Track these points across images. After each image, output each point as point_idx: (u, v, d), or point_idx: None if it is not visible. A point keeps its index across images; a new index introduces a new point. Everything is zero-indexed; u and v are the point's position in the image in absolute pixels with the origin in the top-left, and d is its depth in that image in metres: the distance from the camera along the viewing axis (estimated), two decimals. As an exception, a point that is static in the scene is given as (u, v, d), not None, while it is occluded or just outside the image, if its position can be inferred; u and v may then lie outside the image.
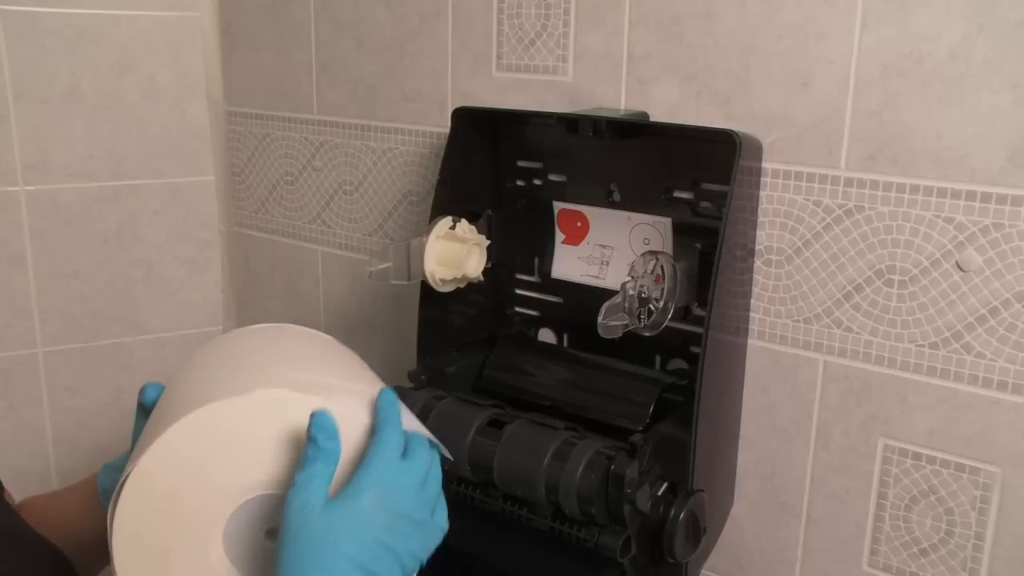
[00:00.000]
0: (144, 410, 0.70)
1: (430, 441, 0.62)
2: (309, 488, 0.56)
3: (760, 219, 0.81)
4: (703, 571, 0.88)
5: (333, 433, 0.57)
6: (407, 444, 0.60)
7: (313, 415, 0.57)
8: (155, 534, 0.59)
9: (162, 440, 0.57)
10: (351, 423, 0.59)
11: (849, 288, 0.78)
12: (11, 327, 1.20)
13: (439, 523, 0.60)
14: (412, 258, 0.83)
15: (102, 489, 0.72)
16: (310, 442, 0.56)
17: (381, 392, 0.62)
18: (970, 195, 0.71)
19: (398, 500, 0.57)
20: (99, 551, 0.75)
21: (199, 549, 0.60)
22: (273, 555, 0.58)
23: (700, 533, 0.76)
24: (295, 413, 0.59)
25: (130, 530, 0.58)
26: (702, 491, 0.76)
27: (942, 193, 0.72)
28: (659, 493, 0.74)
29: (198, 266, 1.30)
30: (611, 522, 0.73)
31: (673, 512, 0.73)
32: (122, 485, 0.57)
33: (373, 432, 0.59)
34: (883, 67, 0.73)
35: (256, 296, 1.30)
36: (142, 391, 0.69)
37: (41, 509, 0.76)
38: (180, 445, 0.58)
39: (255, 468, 0.60)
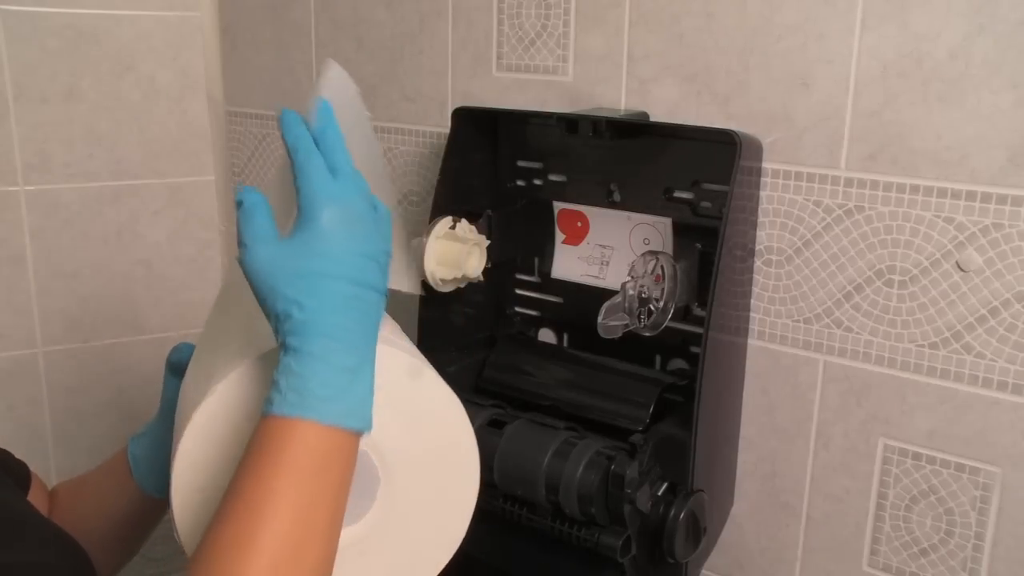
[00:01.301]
0: (175, 369, 0.70)
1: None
2: (258, 238, 0.53)
3: (760, 219, 0.81)
4: (703, 571, 0.88)
5: (257, 194, 0.54)
6: (329, 161, 0.56)
7: (236, 191, 0.56)
8: (214, 476, 0.58)
9: (223, 385, 0.56)
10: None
11: (849, 288, 0.78)
12: (11, 327, 1.20)
13: (384, 213, 0.57)
14: (412, 258, 0.83)
15: (133, 459, 0.73)
16: (238, 209, 0.54)
17: (315, 101, 0.57)
18: (970, 195, 0.71)
19: (347, 211, 0.54)
20: (134, 527, 0.75)
21: None
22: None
23: (700, 533, 0.76)
24: None
25: (189, 473, 0.57)
26: (702, 491, 0.76)
27: (942, 193, 0.72)
28: (659, 493, 0.74)
29: (198, 266, 1.30)
30: (611, 522, 0.73)
31: (673, 512, 0.73)
32: (184, 426, 0.56)
33: (293, 170, 0.55)
34: (883, 67, 0.73)
35: (256, 296, 1.30)
36: (176, 350, 0.70)
37: (73, 492, 0.77)
38: (239, 392, 0.57)
39: None
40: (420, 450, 0.62)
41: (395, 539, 0.62)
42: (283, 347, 0.53)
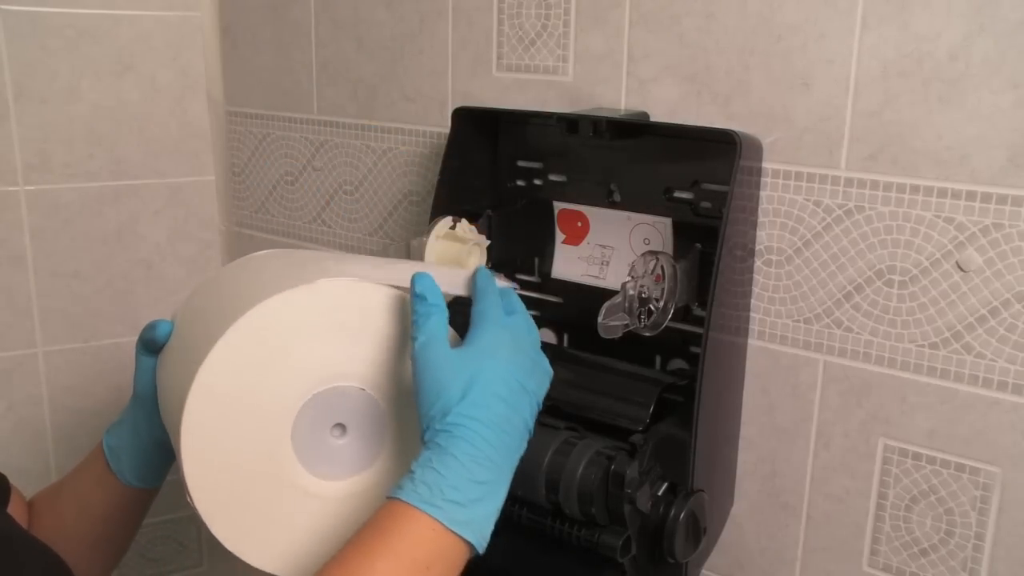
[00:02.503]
0: (150, 347, 0.69)
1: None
2: (436, 338, 0.57)
3: (760, 219, 0.81)
4: (703, 571, 0.88)
5: (438, 291, 0.58)
6: (506, 304, 0.62)
7: (414, 278, 0.59)
8: (224, 441, 0.58)
9: (224, 341, 0.56)
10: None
11: (849, 288, 0.78)
12: (11, 327, 1.20)
13: (546, 366, 0.62)
14: (412, 258, 0.83)
15: (110, 451, 0.72)
16: (419, 301, 0.58)
17: (478, 269, 0.64)
18: (970, 195, 0.71)
19: (518, 341, 0.59)
20: (119, 524, 0.74)
21: (269, 452, 0.59)
22: (342, 450, 0.59)
23: (700, 533, 0.76)
24: (359, 302, 0.60)
25: (198, 441, 0.57)
26: (702, 491, 0.76)
27: (942, 193, 0.72)
28: (659, 493, 0.74)
29: (198, 266, 1.30)
30: (611, 522, 0.73)
31: (673, 512, 0.73)
32: (186, 394, 0.56)
33: (474, 299, 0.61)
34: (883, 67, 0.73)
35: (256, 296, 1.30)
36: (151, 327, 0.68)
37: (52, 499, 0.76)
38: (243, 345, 0.57)
39: (320, 361, 0.59)
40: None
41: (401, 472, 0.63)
42: (427, 443, 0.55)
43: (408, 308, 0.61)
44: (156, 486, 0.74)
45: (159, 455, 0.72)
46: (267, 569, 0.61)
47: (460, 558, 0.54)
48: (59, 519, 0.74)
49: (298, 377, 0.59)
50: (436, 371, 0.56)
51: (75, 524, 0.74)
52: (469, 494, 0.54)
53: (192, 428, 0.57)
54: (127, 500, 0.73)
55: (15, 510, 0.73)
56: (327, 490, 0.61)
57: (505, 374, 0.57)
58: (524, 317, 0.62)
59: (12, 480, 0.75)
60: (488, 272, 0.64)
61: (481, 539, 0.55)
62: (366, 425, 0.62)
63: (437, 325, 0.57)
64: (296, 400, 0.59)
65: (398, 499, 0.53)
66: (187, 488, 0.58)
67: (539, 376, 0.61)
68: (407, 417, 0.62)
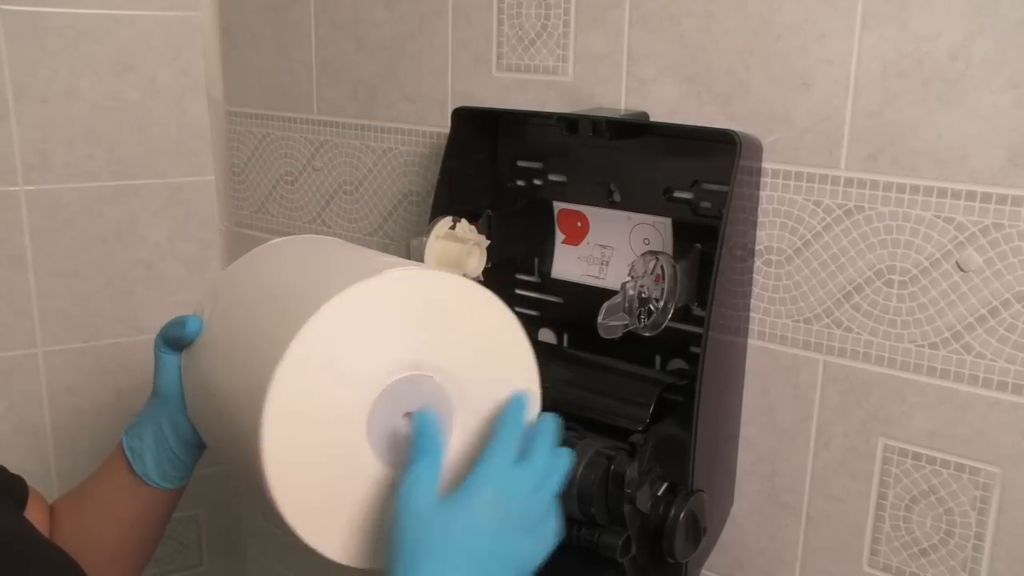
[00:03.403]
0: (175, 344, 0.67)
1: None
2: (419, 487, 0.56)
3: (760, 219, 0.81)
4: (703, 571, 0.88)
5: (436, 431, 0.57)
6: (529, 446, 0.60)
7: (416, 416, 0.58)
8: (302, 436, 0.57)
9: (302, 337, 0.56)
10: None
11: (849, 288, 0.78)
12: (11, 327, 1.20)
13: (548, 531, 0.60)
14: (412, 258, 0.83)
15: (132, 453, 0.70)
16: (415, 440, 0.57)
17: (514, 394, 0.63)
18: (970, 195, 0.71)
19: (509, 506, 0.57)
20: (145, 527, 0.73)
21: (345, 443, 0.59)
22: (407, 451, 0.59)
23: (700, 533, 0.76)
24: (424, 290, 0.60)
25: (279, 437, 0.57)
26: (702, 491, 0.76)
27: (942, 193, 0.72)
28: (659, 493, 0.74)
29: (198, 266, 1.30)
30: (611, 522, 0.73)
31: (673, 512, 0.73)
32: (264, 396, 0.56)
33: (492, 433, 0.60)
34: (883, 67, 0.73)
35: (256, 296, 1.30)
36: (179, 324, 0.66)
37: (74, 505, 0.74)
38: (320, 339, 0.57)
39: (392, 351, 0.60)
40: (486, 373, 0.63)
41: (471, 462, 0.63)
42: None
43: (471, 297, 0.62)
44: (183, 485, 0.73)
45: (185, 453, 0.70)
46: (341, 560, 0.62)
47: None
48: (82, 526, 0.73)
49: (372, 368, 0.59)
50: (411, 525, 0.55)
51: (99, 531, 0.72)
52: None
53: (273, 424, 0.56)
54: (154, 502, 0.72)
55: (34, 514, 0.72)
56: (398, 477, 0.62)
57: (480, 538, 0.56)
58: (536, 467, 0.59)
59: None
60: (521, 403, 0.62)
61: None
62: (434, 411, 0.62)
63: (423, 471, 0.56)
64: (371, 391, 0.59)
65: None
66: (267, 486, 0.57)
67: (531, 542, 0.59)
68: (471, 404, 0.63)
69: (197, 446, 0.70)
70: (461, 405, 0.63)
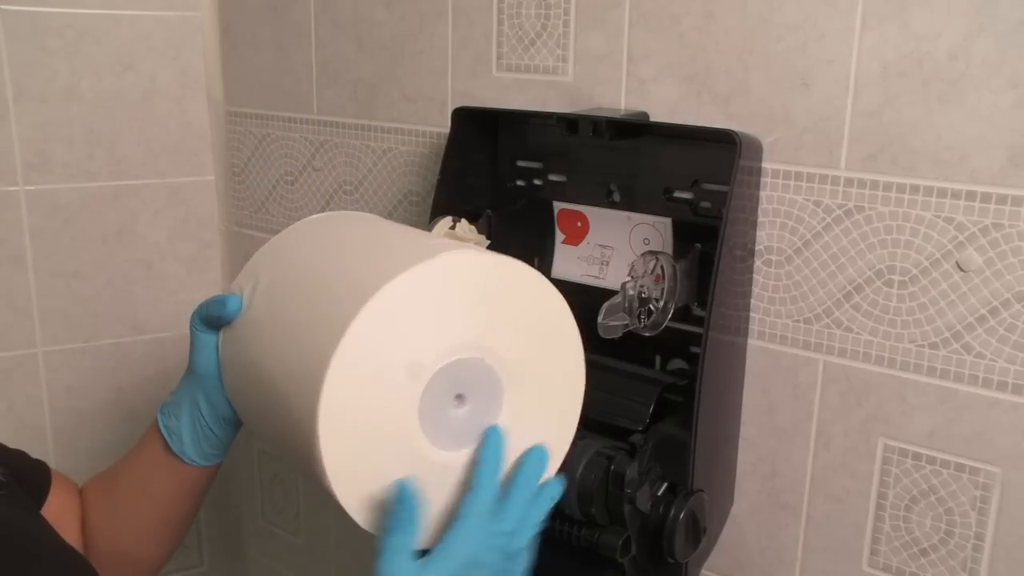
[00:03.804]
0: (216, 324, 0.68)
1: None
2: (396, 560, 0.58)
3: (760, 219, 0.81)
4: (703, 571, 0.88)
5: (413, 503, 0.59)
6: (510, 485, 0.63)
7: (396, 485, 0.59)
8: (357, 417, 0.58)
9: (361, 318, 0.56)
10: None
11: (849, 288, 0.78)
12: (11, 327, 1.20)
13: (517, 570, 0.63)
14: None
15: (168, 431, 0.70)
16: (393, 508, 0.59)
17: (490, 431, 0.63)
18: (970, 195, 0.71)
19: (483, 560, 0.60)
20: (181, 504, 0.74)
21: (397, 425, 0.60)
22: (460, 421, 0.61)
23: (700, 533, 0.76)
24: (478, 274, 0.61)
25: (336, 419, 0.57)
26: (702, 491, 0.76)
27: (942, 193, 0.72)
28: (659, 493, 0.74)
29: (198, 266, 1.30)
30: (611, 522, 0.73)
31: (673, 512, 0.73)
32: (322, 378, 0.56)
33: (468, 485, 0.62)
34: (883, 67, 0.73)
35: (256, 296, 1.30)
36: (220, 303, 0.66)
37: (107, 486, 0.75)
38: (377, 320, 0.57)
39: (446, 333, 0.60)
40: (535, 354, 0.64)
41: (520, 443, 0.64)
42: None
43: (523, 279, 0.63)
44: (219, 463, 0.73)
45: (222, 431, 0.70)
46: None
47: None
48: (117, 506, 0.73)
49: (426, 351, 0.60)
50: None
51: (134, 509, 0.73)
52: None
53: (329, 404, 0.57)
54: (190, 480, 0.72)
55: (61, 501, 0.72)
56: (447, 460, 0.62)
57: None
58: (512, 516, 0.62)
59: None
60: (499, 443, 0.63)
61: None
62: (484, 396, 0.63)
63: (400, 544, 0.58)
64: (425, 373, 0.60)
65: None
66: (322, 467, 0.57)
67: None
68: (522, 387, 0.64)
69: (234, 424, 0.70)
70: (511, 386, 0.63)
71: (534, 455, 0.64)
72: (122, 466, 0.75)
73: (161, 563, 0.77)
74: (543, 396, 0.65)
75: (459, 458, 0.63)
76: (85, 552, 0.74)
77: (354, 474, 0.59)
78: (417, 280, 0.59)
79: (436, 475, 0.62)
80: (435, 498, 0.62)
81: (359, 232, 0.70)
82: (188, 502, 0.74)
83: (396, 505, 0.58)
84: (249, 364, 0.65)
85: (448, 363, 0.60)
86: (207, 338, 0.68)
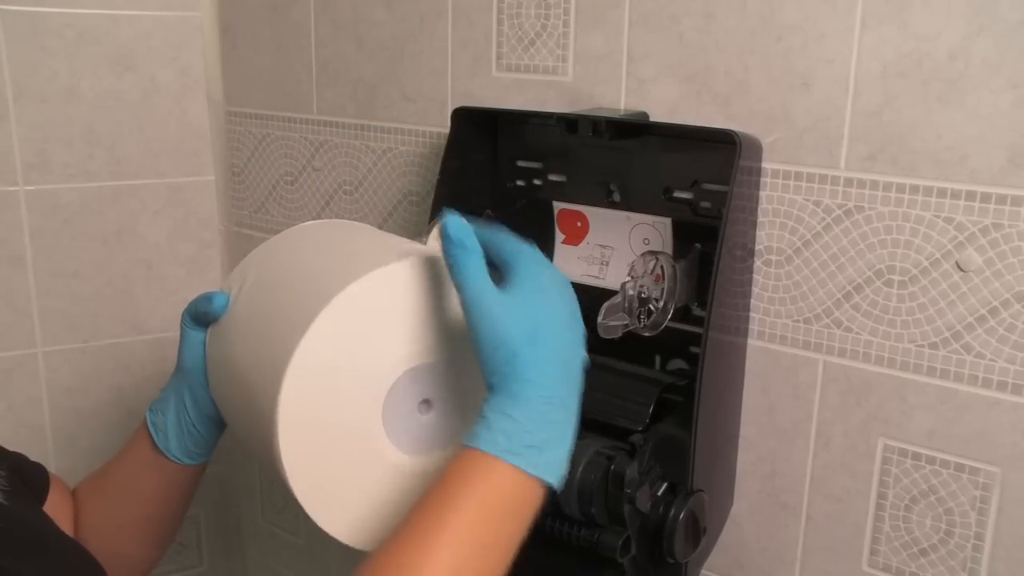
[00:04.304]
0: (204, 320, 0.68)
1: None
2: (483, 282, 0.55)
3: (760, 219, 0.81)
4: (703, 571, 0.88)
5: (471, 232, 0.56)
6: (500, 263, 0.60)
7: (446, 221, 0.56)
8: (319, 415, 0.58)
9: (325, 315, 0.56)
10: None
11: (849, 288, 0.78)
12: (11, 327, 1.20)
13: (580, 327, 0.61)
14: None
15: (155, 428, 0.71)
16: (454, 245, 0.56)
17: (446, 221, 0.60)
18: (970, 195, 0.71)
19: (556, 274, 0.59)
20: (168, 504, 0.74)
21: (361, 426, 0.59)
22: (426, 426, 0.60)
23: (700, 533, 0.76)
24: (443, 277, 0.60)
25: (294, 414, 0.57)
26: (702, 491, 0.76)
27: (942, 193, 0.72)
28: (659, 493, 0.74)
29: (198, 266, 1.30)
30: (611, 522, 0.73)
31: (673, 512, 0.73)
32: (283, 370, 0.56)
33: (492, 243, 0.59)
34: (883, 67, 0.73)
35: (256, 296, 1.30)
36: (207, 300, 0.66)
37: (96, 487, 0.75)
38: (342, 319, 0.57)
39: (409, 338, 0.60)
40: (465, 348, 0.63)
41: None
42: (496, 388, 0.54)
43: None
44: (203, 463, 0.73)
45: (207, 430, 0.71)
46: (349, 542, 0.62)
47: (540, 499, 0.55)
48: (107, 504, 0.74)
49: (390, 353, 0.59)
50: (494, 318, 0.54)
51: (124, 508, 0.73)
52: (544, 436, 0.54)
53: (290, 401, 0.57)
54: (176, 479, 0.72)
55: (56, 502, 0.73)
56: (412, 465, 0.62)
57: (561, 311, 0.57)
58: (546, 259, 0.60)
59: None
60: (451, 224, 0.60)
61: (559, 479, 0.55)
62: (450, 401, 0.62)
63: (479, 269, 0.56)
64: (388, 376, 0.60)
65: (477, 449, 0.53)
66: (280, 461, 0.57)
67: (579, 313, 0.60)
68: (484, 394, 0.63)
69: (218, 423, 0.71)
70: (477, 395, 0.63)
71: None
72: (112, 465, 0.75)
73: (153, 562, 0.77)
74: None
75: (424, 463, 0.63)
76: None
77: (316, 473, 0.59)
78: (385, 281, 0.58)
79: (398, 479, 0.61)
80: (394, 501, 0.62)
81: (342, 238, 0.70)
82: (175, 501, 0.74)
83: (454, 242, 0.56)
84: (228, 360, 0.65)
85: (413, 367, 0.60)
86: (195, 335, 0.69)
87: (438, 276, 0.61)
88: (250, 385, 0.61)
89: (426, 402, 0.62)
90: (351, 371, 0.58)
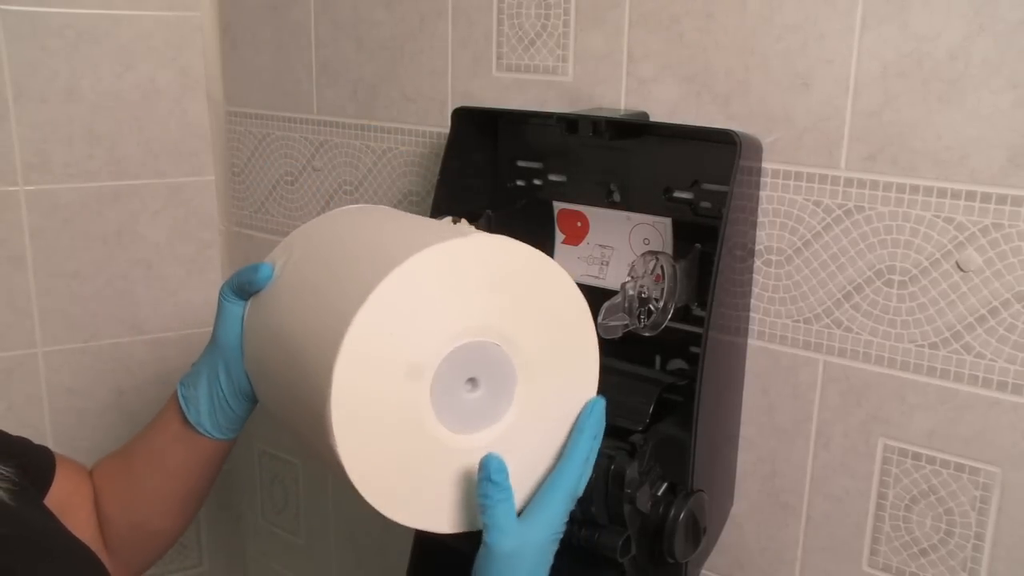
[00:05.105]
0: (245, 291, 0.68)
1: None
2: (509, 521, 0.61)
3: (760, 219, 0.81)
4: (703, 571, 0.88)
5: (507, 473, 0.61)
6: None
7: (486, 459, 0.60)
8: (369, 391, 0.58)
9: (381, 289, 0.57)
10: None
11: (849, 288, 0.78)
12: (11, 327, 1.20)
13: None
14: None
15: (185, 401, 0.71)
16: (491, 486, 0.60)
17: (594, 401, 0.68)
18: (970, 195, 0.71)
19: (561, 527, 0.65)
20: (197, 478, 0.74)
21: (409, 402, 0.60)
22: (472, 404, 0.62)
23: (700, 533, 0.76)
24: (503, 259, 0.62)
25: (346, 389, 0.57)
26: (702, 491, 0.76)
27: (942, 193, 0.72)
28: (659, 493, 0.74)
29: (198, 266, 1.30)
30: (611, 522, 0.73)
31: (673, 512, 0.73)
32: (341, 337, 0.56)
33: (563, 453, 0.66)
34: (883, 67, 0.73)
35: (256, 296, 1.30)
36: (253, 269, 0.67)
37: (121, 463, 0.76)
38: (397, 294, 0.58)
39: (463, 314, 0.60)
40: (551, 349, 0.64)
41: (531, 435, 0.65)
42: None
43: (546, 272, 0.64)
44: (233, 437, 0.73)
45: (238, 404, 0.71)
46: (392, 516, 0.62)
47: None
48: (133, 479, 0.74)
49: (442, 329, 0.60)
50: (508, 557, 0.60)
51: (151, 482, 0.73)
52: None
53: (344, 368, 0.57)
54: (205, 453, 0.73)
55: (69, 485, 0.74)
56: (456, 443, 0.62)
57: (552, 554, 0.64)
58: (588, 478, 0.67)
59: None
60: (602, 414, 0.68)
61: None
62: (496, 381, 0.63)
63: (506, 513, 0.61)
64: (439, 352, 0.60)
65: None
66: (330, 423, 0.57)
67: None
68: (534, 375, 0.64)
69: (250, 398, 0.71)
70: (524, 377, 0.64)
71: (595, 416, 0.67)
72: (138, 440, 0.76)
73: (177, 534, 0.78)
74: (555, 384, 0.66)
75: (468, 441, 0.63)
76: (102, 529, 0.75)
77: (363, 443, 0.59)
78: (440, 258, 0.59)
79: (443, 456, 0.62)
80: (438, 479, 0.62)
81: (396, 216, 0.71)
82: (203, 476, 0.75)
83: (492, 483, 0.60)
84: (272, 331, 0.66)
85: (463, 344, 0.61)
86: (234, 308, 0.69)
87: (489, 261, 0.62)
88: (298, 353, 0.61)
89: (472, 380, 0.62)
90: (404, 344, 0.59)
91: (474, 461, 0.62)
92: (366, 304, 0.57)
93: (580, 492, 0.65)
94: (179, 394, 0.72)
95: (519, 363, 0.63)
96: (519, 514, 0.63)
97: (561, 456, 0.65)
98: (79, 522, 0.73)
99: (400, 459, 0.61)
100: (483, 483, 0.60)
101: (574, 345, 0.67)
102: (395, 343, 0.58)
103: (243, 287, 0.68)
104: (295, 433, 0.66)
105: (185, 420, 0.71)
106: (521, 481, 0.64)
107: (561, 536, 0.64)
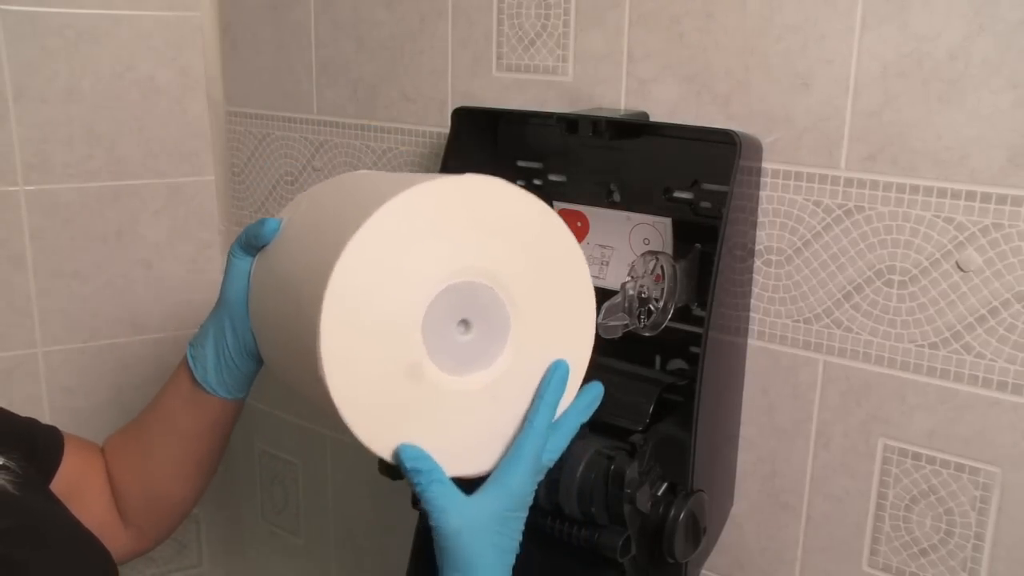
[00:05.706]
0: (252, 245, 0.69)
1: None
2: (450, 499, 0.60)
3: (760, 219, 0.81)
4: (703, 571, 0.88)
5: (424, 455, 0.60)
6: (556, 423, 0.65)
7: (397, 450, 0.60)
8: (361, 327, 0.58)
9: (372, 222, 0.57)
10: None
11: (849, 288, 0.78)
12: (11, 327, 1.20)
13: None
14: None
15: (194, 361, 0.72)
16: (414, 474, 0.60)
17: (555, 365, 0.65)
18: (970, 195, 0.71)
19: (529, 490, 0.64)
20: (209, 440, 0.75)
21: (401, 339, 0.60)
22: (465, 347, 0.61)
23: (700, 533, 0.76)
24: (499, 202, 0.62)
25: (338, 321, 0.57)
26: (702, 491, 0.76)
27: (942, 193, 0.72)
28: (659, 493, 0.74)
29: (198, 266, 1.30)
30: (611, 522, 0.73)
31: (673, 512, 0.73)
32: (329, 271, 0.56)
33: (526, 419, 0.64)
34: (883, 67, 0.73)
35: (256, 296, 1.30)
36: (260, 223, 0.68)
37: (135, 432, 0.77)
38: (387, 229, 0.58)
39: (456, 254, 0.60)
40: (546, 296, 0.64)
41: (523, 383, 0.64)
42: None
43: (545, 218, 0.64)
44: (242, 397, 0.74)
45: (243, 363, 0.71)
46: (375, 450, 0.61)
47: None
48: (146, 446, 0.75)
49: (433, 268, 0.60)
50: (456, 540, 0.60)
51: (163, 447, 0.74)
52: None
53: (334, 299, 0.57)
54: (214, 413, 0.73)
55: (80, 464, 0.74)
56: (449, 384, 0.62)
57: (518, 527, 0.64)
58: (562, 444, 0.66)
59: None
60: (563, 379, 0.66)
61: None
62: (489, 324, 0.63)
63: (442, 493, 0.60)
64: (430, 290, 0.60)
65: None
66: (320, 359, 0.57)
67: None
68: (528, 321, 0.64)
69: (255, 358, 0.71)
70: (517, 321, 0.63)
71: (557, 378, 0.65)
72: (149, 409, 0.77)
73: (194, 500, 0.78)
74: (549, 331, 0.65)
75: (460, 383, 0.63)
76: (117, 502, 0.76)
77: (355, 383, 0.59)
78: (433, 195, 0.59)
79: (436, 398, 0.62)
80: (429, 419, 0.62)
81: (400, 173, 0.72)
82: (214, 437, 0.75)
83: (413, 471, 0.60)
84: (273, 277, 0.66)
85: (454, 284, 0.61)
86: (241, 264, 0.70)
87: (484, 203, 0.62)
88: (293, 290, 0.61)
89: (465, 323, 0.62)
90: (395, 280, 0.58)
91: (467, 404, 0.62)
92: (355, 236, 0.56)
93: (547, 463, 0.64)
94: (188, 354, 0.73)
95: (512, 308, 0.63)
96: (485, 478, 0.63)
97: (524, 423, 0.64)
98: (92, 498, 0.74)
99: (392, 398, 0.60)
100: (407, 473, 0.60)
101: (570, 299, 0.66)
102: (385, 279, 0.58)
103: (250, 242, 0.69)
104: (292, 382, 0.66)
105: (194, 381, 0.72)
106: (499, 442, 0.64)
107: (528, 506, 0.64)
